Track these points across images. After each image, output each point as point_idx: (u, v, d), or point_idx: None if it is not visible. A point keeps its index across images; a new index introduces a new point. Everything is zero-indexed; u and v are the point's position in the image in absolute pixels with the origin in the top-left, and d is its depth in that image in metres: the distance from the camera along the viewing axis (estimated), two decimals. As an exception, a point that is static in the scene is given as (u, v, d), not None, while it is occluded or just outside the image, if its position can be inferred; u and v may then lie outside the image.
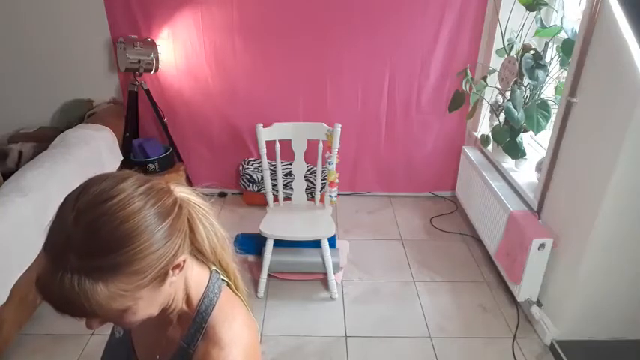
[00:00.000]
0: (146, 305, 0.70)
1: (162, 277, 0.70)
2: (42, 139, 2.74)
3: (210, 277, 0.84)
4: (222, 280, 0.86)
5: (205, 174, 3.30)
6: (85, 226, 0.62)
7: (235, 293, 0.88)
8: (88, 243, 0.61)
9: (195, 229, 0.79)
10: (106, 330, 0.87)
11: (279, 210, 2.51)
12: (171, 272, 0.71)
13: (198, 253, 0.83)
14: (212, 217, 0.82)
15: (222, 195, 3.40)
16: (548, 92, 2.43)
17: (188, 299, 0.81)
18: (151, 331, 0.86)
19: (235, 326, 0.80)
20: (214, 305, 0.81)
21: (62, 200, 0.66)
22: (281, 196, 2.53)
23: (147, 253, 0.65)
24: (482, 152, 2.92)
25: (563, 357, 2.00)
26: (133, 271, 0.64)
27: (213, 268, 0.86)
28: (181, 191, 0.77)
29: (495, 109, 2.74)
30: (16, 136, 2.93)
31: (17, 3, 2.84)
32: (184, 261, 0.73)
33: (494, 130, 2.60)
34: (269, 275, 2.43)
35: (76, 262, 0.60)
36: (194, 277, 0.81)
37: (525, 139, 2.52)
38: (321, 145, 2.41)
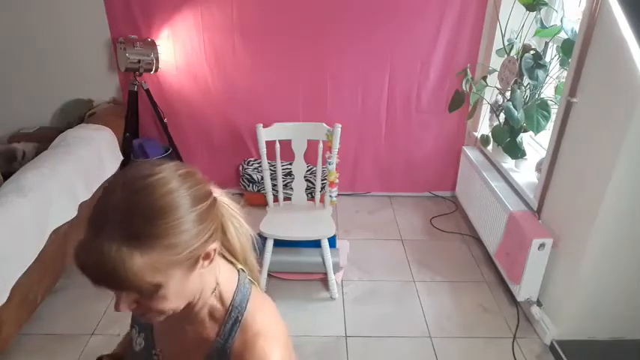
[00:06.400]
0: (176, 289, 0.71)
1: (193, 260, 0.72)
2: (42, 139, 2.74)
3: (239, 275, 0.87)
4: (248, 279, 0.89)
5: (205, 174, 3.27)
6: (127, 197, 0.66)
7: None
8: (128, 212, 0.65)
9: (227, 228, 0.82)
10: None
11: (279, 210, 2.51)
12: (201, 261, 0.73)
13: (227, 252, 0.86)
14: (242, 218, 0.86)
15: (222, 195, 3.40)
16: (548, 92, 2.43)
17: (220, 296, 0.82)
18: (179, 336, 0.85)
19: (272, 318, 0.84)
20: (248, 299, 0.83)
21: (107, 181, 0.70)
22: (281, 196, 2.53)
23: (181, 229, 0.68)
24: (483, 152, 2.92)
25: (563, 357, 2.00)
26: (168, 244, 0.67)
27: (239, 267, 0.88)
28: (214, 190, 0.80)
29: (495, 109, 2.74)
30: (16, 136, 2.93)
31: (17, 3, 2.84)
32: (214, 251, 0.75)
33: (494, 130, 2.60)
34: (269, 275, 2.43)
35: (116, 230, 0.64)
36: (223, 274, 0.84)
37: (525, 139, 2.52)
38: (321, 145, 2.41)
